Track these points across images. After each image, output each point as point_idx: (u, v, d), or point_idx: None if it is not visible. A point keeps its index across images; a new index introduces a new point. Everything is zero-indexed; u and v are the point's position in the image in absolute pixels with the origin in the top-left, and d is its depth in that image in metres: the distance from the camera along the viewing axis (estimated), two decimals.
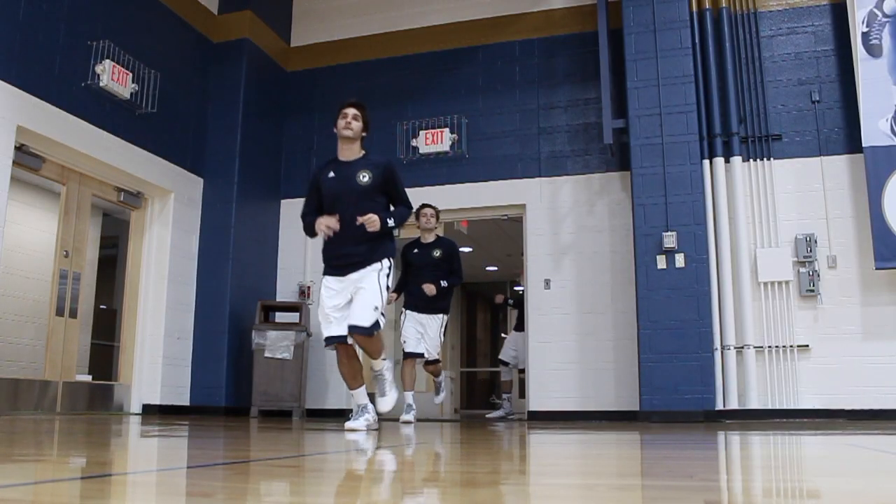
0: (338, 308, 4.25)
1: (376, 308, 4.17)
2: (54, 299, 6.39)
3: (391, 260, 4.33)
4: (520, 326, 8.66)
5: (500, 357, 9.23)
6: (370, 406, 4.40)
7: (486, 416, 8.95)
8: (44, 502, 1.21)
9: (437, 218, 6.34)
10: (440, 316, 6.21)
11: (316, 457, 2.41)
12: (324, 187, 4.36)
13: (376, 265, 4.22)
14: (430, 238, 6.28)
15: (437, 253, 6.18)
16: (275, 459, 2.15)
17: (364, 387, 4.42)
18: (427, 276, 6.10)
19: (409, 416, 5.91)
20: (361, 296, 4.17)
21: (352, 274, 4.21)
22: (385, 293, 4.24)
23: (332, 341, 4.27)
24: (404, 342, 6.19)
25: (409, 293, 6.28)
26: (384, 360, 4.50)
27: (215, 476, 1.69)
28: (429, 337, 6.18)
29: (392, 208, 4.38)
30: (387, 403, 4.48)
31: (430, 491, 1.50)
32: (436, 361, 6.29)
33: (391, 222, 4.24)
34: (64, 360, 6.45)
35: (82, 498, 1.27)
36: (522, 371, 8.58)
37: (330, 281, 4.29)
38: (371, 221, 4.11)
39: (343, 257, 4.24)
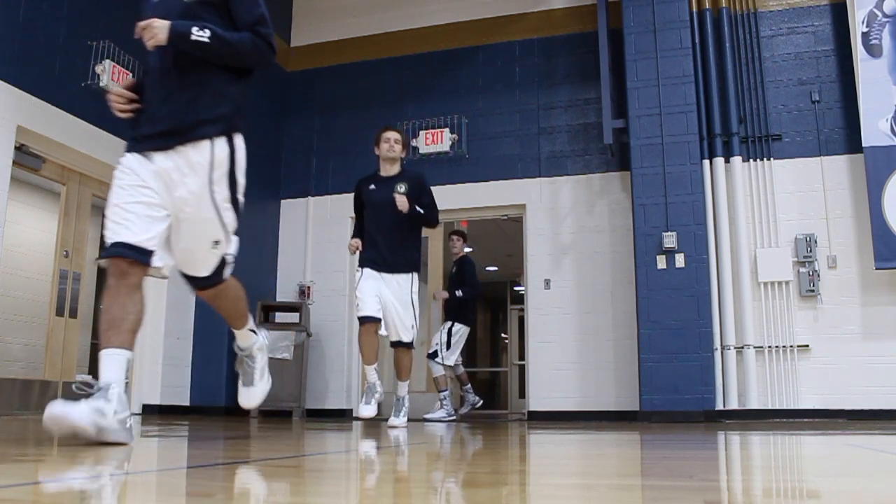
0: (148, 208, 2.52)
1: (217, 242, 2.74)
2: (54, 299, 6.40)
3: (233, 145, 2.72)
4: (449, 314, 7.57)
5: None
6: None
7: (424, 416, 7.21)
8: (44, 502, 1.21)
9: (405, 146, 5.01)
10: (409, 276, 4.85)
11: (316, 457, 2.41)
12: (144, 13, 2.65)
13: (202, 149, 2.59)
14: (392, 170, 4.92)
15: (402, 188, 4.80)
16: (275, 459, 2.15)
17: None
18: (388, 219, 4.75)
19: (399, 420, 4.65)
20: (193, 226, 2.64)
21: (162, 160, 2.60)
22: (231, 212, 2.76)
23: (118, 252, 2.43)
24: (359, 305, 4.77)
25: (366, 245, 4.83)
26: (254, 333, 3.12)
27: (215, 476, 1.69)
28: (397, 307, 4.77)
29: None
30: (253, 397, 3.05)
31: (429, 491, 1.50)
32: (408, 346, 4.85)
33: (199, 34, 2.47)
34: (64, 360, 6.45)
35: (82, 498, 1.27)
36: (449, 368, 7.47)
37: (133, 161, 2.64)
38: (147, 28, 2.49)
39: (153, 122, 2.65)
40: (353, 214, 5.13)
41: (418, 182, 4.90)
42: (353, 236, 4.99)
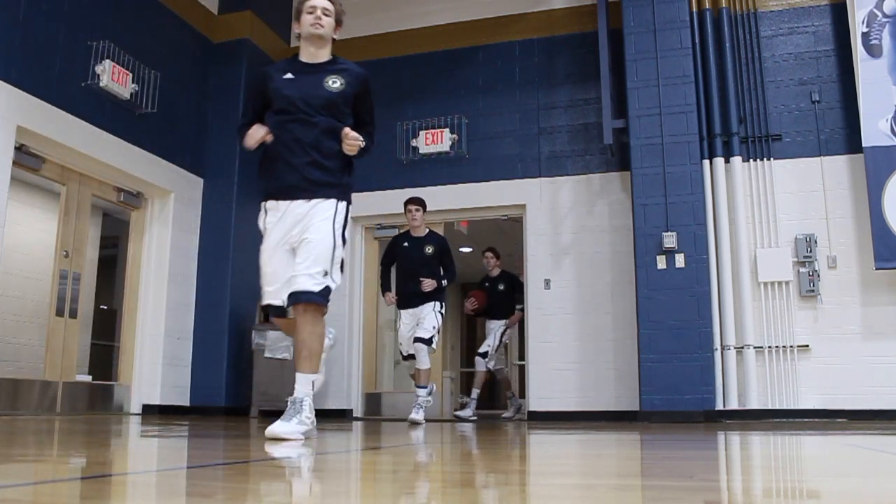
0: None
1: None
2: (54, 299, 6.40)
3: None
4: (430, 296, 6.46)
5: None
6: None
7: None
8: (44, 502, 1.21)
9: (339, 22, 3.58)
10: (333, 203, 3.24)
11: (316, 457, 2.41)
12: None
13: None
14: (320, 54, 3.49)
15: (335, 83, 3.33)
16: (275, 459, 2.15)
17: None
18: (313, 120, 3.22)
19: (286, 427, 3.06)
20: None
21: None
22: None
23: None
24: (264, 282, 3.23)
25: (268, 167, 3.23)
26: None
27: (215, 476, 1.69)
28: (307, 239, 3.21)
29: None
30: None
31: (429, 491, 1.50)
32: (315, 299, 3.09)
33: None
34: (64, 360, 6.45)
35: (82, 498, 1.27)
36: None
37: None
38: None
39: None
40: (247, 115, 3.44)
41: (362, 82, 3.42)
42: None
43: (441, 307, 6.23)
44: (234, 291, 7.65)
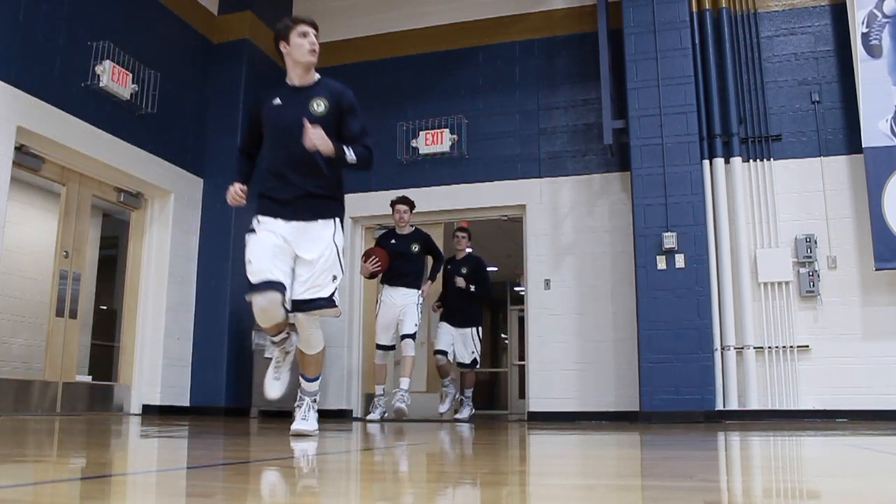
0: None
1: None
2: (54, 300, 6.39)
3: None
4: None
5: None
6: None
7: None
8: (44, 502, 1.21)
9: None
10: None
11: (316, 457, 2.41)
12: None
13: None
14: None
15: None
16: (275, 459, 2.15)
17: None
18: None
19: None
20: None
21: None
22: None
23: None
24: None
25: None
26: None
27: (215, 476, 1.69)
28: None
29: None
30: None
31: (430, 491, 1.50)
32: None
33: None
34: (64, 360, 6.45)
35: (82, 498, 1.27)
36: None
37: None
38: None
39: None
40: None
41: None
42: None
43: (339, 224, 3.65)
44: (234, 291, 7.64)
